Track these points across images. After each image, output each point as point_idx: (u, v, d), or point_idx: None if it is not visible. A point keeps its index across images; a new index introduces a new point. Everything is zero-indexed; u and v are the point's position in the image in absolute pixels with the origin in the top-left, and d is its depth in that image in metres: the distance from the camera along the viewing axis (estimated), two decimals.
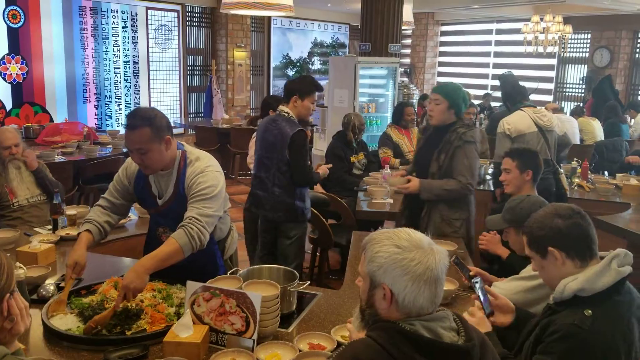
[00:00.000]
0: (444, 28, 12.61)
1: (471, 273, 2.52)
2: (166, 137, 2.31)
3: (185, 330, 1.94)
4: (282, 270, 2.39)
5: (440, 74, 12.81)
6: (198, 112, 9.84)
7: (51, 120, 7.48)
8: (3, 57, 7.04)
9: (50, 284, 2.38)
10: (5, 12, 7.00)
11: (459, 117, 3.24)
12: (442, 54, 12.76)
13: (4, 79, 7.10)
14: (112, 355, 1.88)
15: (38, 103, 7.47)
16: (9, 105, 7.18)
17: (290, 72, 11.45)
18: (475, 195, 3.40)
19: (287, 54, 11.33)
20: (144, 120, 2.25)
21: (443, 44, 12.72)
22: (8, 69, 7.14)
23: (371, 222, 4.52)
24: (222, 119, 8.69)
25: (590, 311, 1.69)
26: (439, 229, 3.25)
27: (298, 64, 11.60)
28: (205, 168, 2.37)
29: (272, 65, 11.06)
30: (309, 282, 2.33)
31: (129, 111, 2.39)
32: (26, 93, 7.36)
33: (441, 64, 12.77)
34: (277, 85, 11.00)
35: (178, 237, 2.22)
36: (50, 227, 3.18)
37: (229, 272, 2.33)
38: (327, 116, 7.26)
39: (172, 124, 2.45)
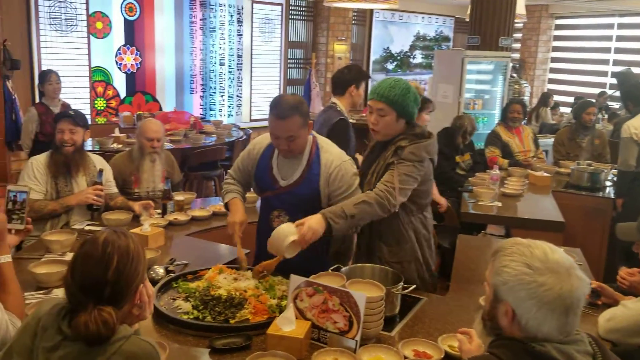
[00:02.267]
0: (559, 22, 11.83)
1: (592, 286, 2.30)
2: (309, 122, 2.41)
3: (288, 324, 1.91)
4: (385, 271, 2.30)
5: (553, 70, 12.05)
6: None
7: (160, 109, 7.84)
8: (119, 48, 7.47)
9: (159, 267, 2.44)
10: (123, 5, 7.40)
11: (412, 123, 2.49)
12: (555, 48, 11.98)
13: (120, 69, 7.53)
14: (217, 342, 1.90)
15: (149, 92, 7.87)
16: (123, 94, 7.62)
17: (390, 66, 11.28)
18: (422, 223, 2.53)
19: (388, 47, 11.15)
20: (293, 109, 2.33)
21: (557, 38, 11.93)
22: (123, 59, 7.56)
23: (475, 225, 4.31)
24: (319, 111, 8.67)
25: None
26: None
27: (398, 58, 11.40)
28: (344, 157, 2.50)
29: (372, 59, 10.94)
30: (414, 285, 2.21)
31: (274, 99, 2.42)
32: (139, 82, 7.77)
33: (554, 59, 11.99)
34: (375, 79, 10.87)
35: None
36: (159, 211, 3.29)
37: (331, 268, 2.27)
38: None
39: None
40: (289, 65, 9.94)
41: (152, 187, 3.52)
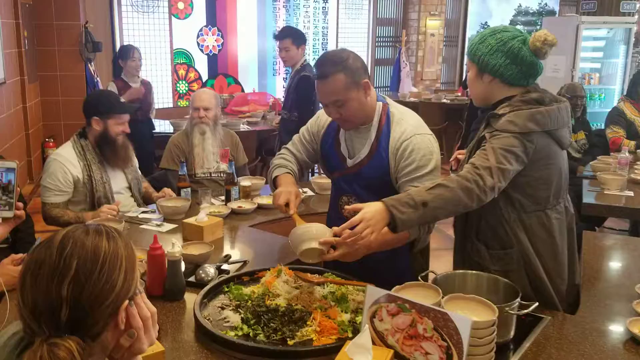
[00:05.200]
0: None
1: None
2: (363, 81, 1.92)
3: (363, 354, 1.42)
4: (494, 281, 1.74)
5: None
6: (384, 86, 9.40)
7: (242, 91, 7.58)
8: (201, 29, 7.26)
9: (210, 266, 2.02)
10: None
11: (517, 84, 1.82)
12: None
13: (201, 51, 7.35)
14: None
15: (231, 75, 7.63)
16: (205, 76, 7.43)
17: None
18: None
19: (486, 22, 10.32)
20: (334, 65, 1.88)
21: None
22: (205, 40, 7.36)
23: (591, 219, 3.62)
24: (410, 92, 8.16)
25: None
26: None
27: None
28: (420, 129, 2.00)
29: (468, 35, 10.13)
30: (536, 303, 1.63)
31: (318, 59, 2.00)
32: (221, 64, 7.55)
33: None
34: None
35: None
36: (222, 197, 2.91)
37: (420, 275, 1.74)
38: None
39: None
40: (377, 44, 9.39)
41: (206, 166, 3.17)
